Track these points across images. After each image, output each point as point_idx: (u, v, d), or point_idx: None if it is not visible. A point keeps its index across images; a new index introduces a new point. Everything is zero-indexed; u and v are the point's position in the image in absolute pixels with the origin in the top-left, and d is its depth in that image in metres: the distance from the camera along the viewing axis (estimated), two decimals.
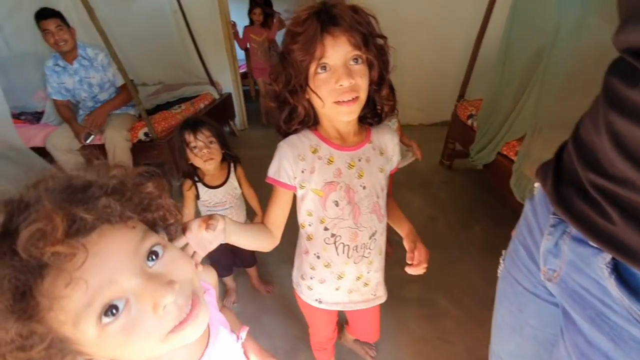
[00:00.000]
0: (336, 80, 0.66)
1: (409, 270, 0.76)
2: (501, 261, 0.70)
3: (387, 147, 0.83)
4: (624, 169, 0.38)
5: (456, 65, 3.06)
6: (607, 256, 0.42)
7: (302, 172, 0.77)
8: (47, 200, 0.32)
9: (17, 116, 2.50)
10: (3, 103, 1.77)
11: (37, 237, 0.30)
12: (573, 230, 0.48)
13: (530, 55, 1.87)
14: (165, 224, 0.45)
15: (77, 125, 2.24)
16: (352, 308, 0.93)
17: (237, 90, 3.72)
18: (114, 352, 0.36)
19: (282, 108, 0.76)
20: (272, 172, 0.78)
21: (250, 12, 3.60)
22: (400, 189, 2.48)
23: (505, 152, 2.01)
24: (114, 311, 0.34)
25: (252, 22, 3.64)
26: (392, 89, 0.82)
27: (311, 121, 0.77)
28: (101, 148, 2.24)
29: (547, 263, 0.54)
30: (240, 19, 3.80)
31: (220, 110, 3.30)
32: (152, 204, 0.42)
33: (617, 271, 0.42)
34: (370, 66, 0.69)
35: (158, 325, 0.36)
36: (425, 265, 0.76)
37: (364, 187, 0.79)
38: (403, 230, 0.85)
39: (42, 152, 2.18)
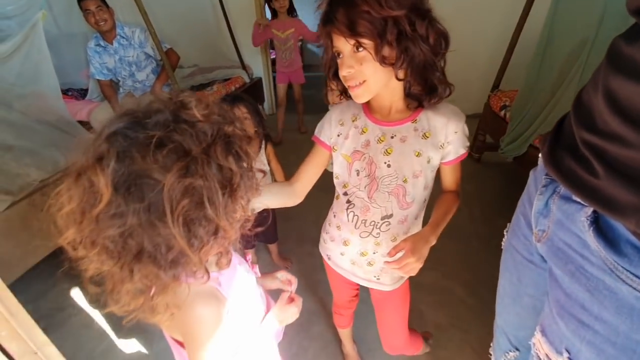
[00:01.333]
0: (341, 68, 0.71)
1: (387, 265, 0.70)
2: (505, 233, 0.72)
3: (436, 133, 0.77)
4: (613, 124, 0.41)
5: (490, 56, 2.96)
6: (589, 210, 0.45)
7: (338, 135, 0.84)
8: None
9: (65, 92, 2.69)
10: (54, 79, 1.91)
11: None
12: (562, 190, 0.51)
13: (573, 46, 1.78)
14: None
15: (117, 104, 2.38)
16: (354, 280, 0.96)
17: (268, 75, 3.78)
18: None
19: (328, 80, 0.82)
20: (316, 130, 0.89)
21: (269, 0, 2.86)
22: None
23: (537, 145, 1.94)
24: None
25: (275, 13, 2.89)
26: (424, 74, 0.73)
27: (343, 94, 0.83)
28: None
29: (538, 224, 0.56)
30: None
31: (250, 94, 3.38)
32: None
33: (597, 224, 0.45)
34: (382, 49, 0.67)
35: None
36: (404, 268, 0.67)
37: (388, 165, 0.78)
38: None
39: (85, 125, 2.35)
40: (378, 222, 0.83)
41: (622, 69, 0.40)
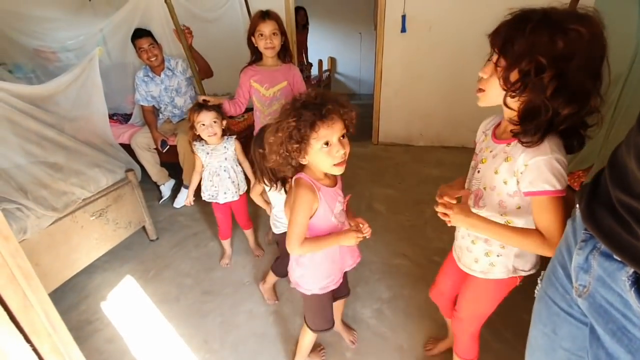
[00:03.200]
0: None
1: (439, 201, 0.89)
2: (539, 281, 0.70)
3: (515, 160, 0.81)
4: None
5: None
6: (630, 269, 0.44)
7: (480, 137, 1.01)
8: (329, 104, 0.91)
9: (111, 116, 2.93)
10: (104, 106, 2.11)
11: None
12: (602, 246, 0.50)
13: (606, 83, 1.74)
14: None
15: (155, 132, 2.57)
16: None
17: None
18: (316, 160, 0.97)
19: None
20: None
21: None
22: None
23: (569, 183, 1.87)
24: (326, 145, 0.93)
25: (257, 55, 1.83)
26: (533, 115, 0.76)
27: None
28: (174, 148, 2.55)
29: (579, 279, 0.55)
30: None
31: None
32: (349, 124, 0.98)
33: (639, 284, 0.43)
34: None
35: (335, 158, 0.95)
36: (443, 212, 0.87)
37: (478, 171, 0.94)
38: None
39: (126, 148, 2.53)
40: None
41: None
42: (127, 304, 1.84)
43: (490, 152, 0.91)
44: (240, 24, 3.41)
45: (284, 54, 1.81)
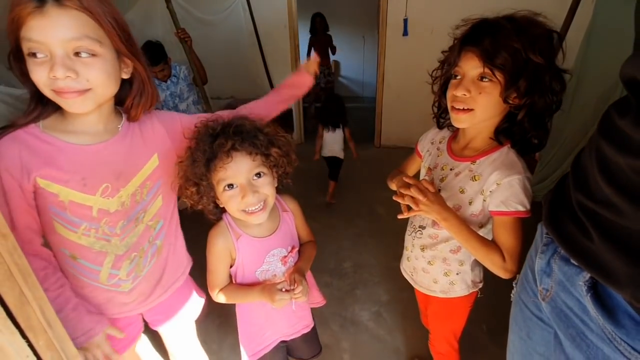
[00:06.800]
0: (455, 88, 0.74)
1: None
2: (514, 285, 0.70)
3: (483, 179, 0.78)
4: (607, 193, 0.41)
5: None
6: (587, 275, 0.44)
7: (427, 150, 0.99)
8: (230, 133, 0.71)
9: None
10: None
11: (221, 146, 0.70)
12: (562, 251, 0.50)
13: (603, 90, 1.74)
14: (276, 169, 0.80)
15: None
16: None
17: (298, 106, 3.96)
18: (224, 203, 0.78)
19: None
20: (419, 140, 1.04)
21: None
22: None
23: None
24: (229, 187, 0.75)
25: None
26: (537, 121, 0.75)
27: (444, 113, 0.90)
28: None
29: (542, 282, 0.55)
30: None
31: (281, 123, 3.54)
32: (276, 159, 0.78)
33: (595, 290, 0.43)
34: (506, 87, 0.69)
35: (240, 204, 0.75)
36: (411, 199, 0.77)
37: (439, 189, 0.86)
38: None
39: None
40: (417, 228, 0.94)
41: (613, 140, 0.40)
42: None
43: (451, 169, 0.85)
44: (243, 26, 3.44)
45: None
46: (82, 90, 0.62)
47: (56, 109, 0.68)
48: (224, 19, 3.36)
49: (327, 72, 4.71)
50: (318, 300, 1.08)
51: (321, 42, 4.47)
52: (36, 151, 0.65)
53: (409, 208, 0.78)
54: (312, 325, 1.02)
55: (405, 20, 3.27)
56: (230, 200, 0.76)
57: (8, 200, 0.64)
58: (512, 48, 0.66)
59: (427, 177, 0.94)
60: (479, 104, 0.71)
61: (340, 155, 2.59)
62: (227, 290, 0.86)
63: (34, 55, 0.59)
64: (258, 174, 0.76)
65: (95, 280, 0.78)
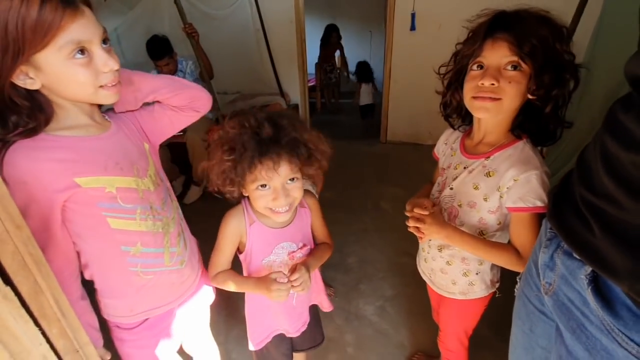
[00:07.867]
0: (480, 77, 0.72)
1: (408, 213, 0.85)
2: (517, 280, 0.70)
3: (498, 175, 0.77)
4: (609, 187, 0.41)
5: None
6: (589, 268, 0.46)
7: (442, 152, 1.00)
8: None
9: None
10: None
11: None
12: (565, 245, 0.51)
13: (612, 86, 1.71)
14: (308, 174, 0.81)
15: None
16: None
17: (304, 102, 3.96)
18: (252, 197, 0.81)
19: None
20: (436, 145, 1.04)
21: None
22: None
23: None
24: (262, 187, 0.77)
25: None
26: (554, 114, 0.74)
27: (454, 112, 0.89)
28: (183, 145, 2.60)
29: (545, 276, 0.56)
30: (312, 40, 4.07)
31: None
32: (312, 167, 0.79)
33: (596, 283, 0.45)
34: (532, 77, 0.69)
35: (269, 204, 0.78)
36: (416, 221, 0.81)
37: (451, 188, 0.87)
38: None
39: None
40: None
41: (617, 135, 0.41)
42: None
43: (465, 168, 0.84)
44: (249, 21, 3.44)
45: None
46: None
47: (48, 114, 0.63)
48: (230, 14, 3.37)
49: (330, 69, 4.73)
50: (325, 305, 1.09)
51: (332, 49, 4.87)
52: (59, 154, 0.62)
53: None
54: (308, 321, 1.03)
55: (413, 15, 3.24)
56: (260, 198, 0.78)
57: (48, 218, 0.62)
58: (541, 36, 0.66)
59: (439, 178, 0.95)
60: (508, 93, 0.70)
61: (372, 101, 4.16)
62: (225, 274, 0.88)
63: (81, 53, 0.59)
64: (292, 179, 0.78)
65: (161, 265, 0.81)
